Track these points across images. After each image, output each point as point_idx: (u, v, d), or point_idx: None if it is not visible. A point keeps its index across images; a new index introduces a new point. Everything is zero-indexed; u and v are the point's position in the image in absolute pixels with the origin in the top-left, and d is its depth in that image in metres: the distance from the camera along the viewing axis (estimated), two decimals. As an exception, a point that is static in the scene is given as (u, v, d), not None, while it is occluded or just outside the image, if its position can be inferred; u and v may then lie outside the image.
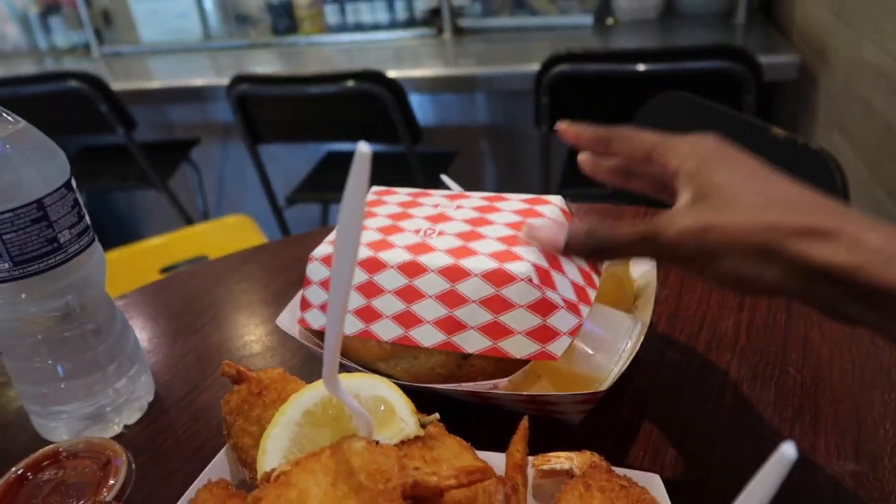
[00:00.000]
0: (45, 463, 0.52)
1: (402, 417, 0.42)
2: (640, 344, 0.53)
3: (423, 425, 0.42)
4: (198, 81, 2.23)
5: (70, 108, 2.08)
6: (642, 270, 0.64)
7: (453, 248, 0.54)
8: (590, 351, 0.53)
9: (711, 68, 1.59)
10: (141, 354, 0.64)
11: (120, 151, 2.30)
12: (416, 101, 1.92)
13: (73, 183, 0.55)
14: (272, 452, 0.40)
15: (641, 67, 1.62)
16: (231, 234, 1.78)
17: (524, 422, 0.44)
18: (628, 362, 0.52)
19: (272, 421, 0.41)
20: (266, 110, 2.01)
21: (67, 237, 0.53)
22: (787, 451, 0.24)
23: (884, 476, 0.48)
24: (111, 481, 0.50)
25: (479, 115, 2.52)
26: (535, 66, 1.75)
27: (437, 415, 0.43)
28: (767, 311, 0.66)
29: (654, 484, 0.41)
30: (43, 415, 0.58)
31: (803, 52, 1.84)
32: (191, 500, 0.43)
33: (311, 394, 0.42)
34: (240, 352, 0.71)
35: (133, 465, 0.51)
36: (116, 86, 2.10)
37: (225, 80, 1.93)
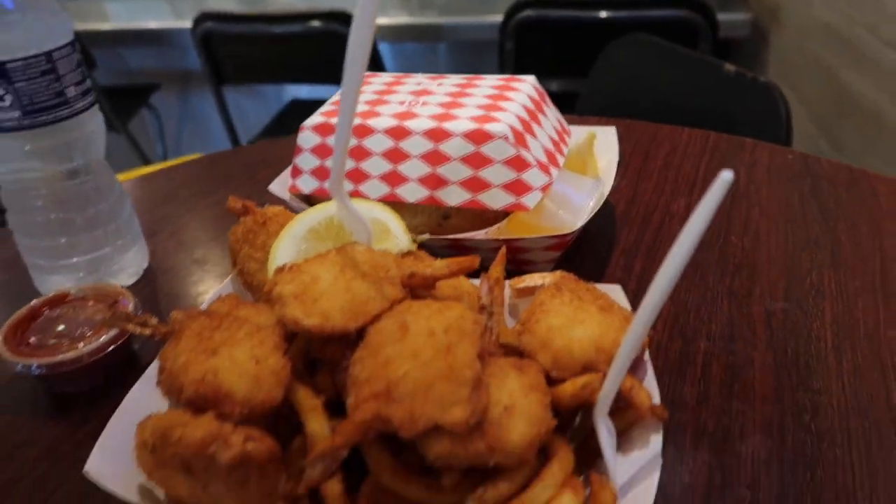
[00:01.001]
0: (56, 302, 0.56)
1: (397, 235, 0.47)
2: (602, 203, 0.59)
3: (415, 242, 0.47)
4: (155, 24, 2.21)
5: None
6: (606, 155, 0.70)
7: (436, 114, 0.59)
8: (557, 209, 0.59)
9: (670, 16, 1.66)
10: (136, 224, 0.67)
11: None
12: (380, 50, 1.94)
13: (77, 46, 0.58)
14: (281, 259, 0.45)
15: (603, 14, 1.68)
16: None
17: (502, 249, 0.50)
18: (592, 215, 0.58)
19: (279, 236, 0.46)
20: (231, 50, 2.00)
21: (74, 93, 0.57)
22: (726, 175, 0.30)
23: (808, 310, 0.55)
24: (119, 315, 0.54)
25: (442, 67, 2.56)
26: (499, 17, 1.79)
27: (427, 234, 0.48)
28: (714, 197, 0.73)
29: (615, 291, 0.47)
30: (45, 269, 0.61)
31: (757, 12, 1.93)
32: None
33: (315, 214, 0.47)
34: (229, 227, 0.74)
35: (140, 307, 0.56)
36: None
37: (186, 24, 1.92)
